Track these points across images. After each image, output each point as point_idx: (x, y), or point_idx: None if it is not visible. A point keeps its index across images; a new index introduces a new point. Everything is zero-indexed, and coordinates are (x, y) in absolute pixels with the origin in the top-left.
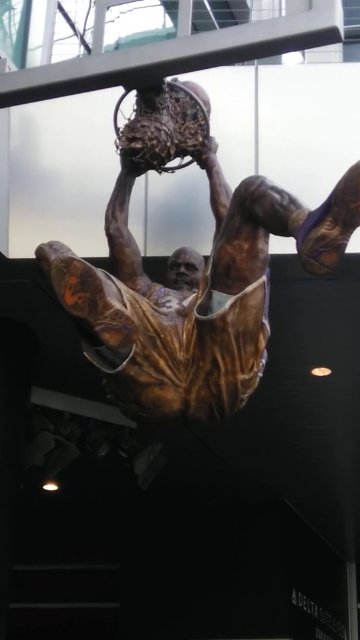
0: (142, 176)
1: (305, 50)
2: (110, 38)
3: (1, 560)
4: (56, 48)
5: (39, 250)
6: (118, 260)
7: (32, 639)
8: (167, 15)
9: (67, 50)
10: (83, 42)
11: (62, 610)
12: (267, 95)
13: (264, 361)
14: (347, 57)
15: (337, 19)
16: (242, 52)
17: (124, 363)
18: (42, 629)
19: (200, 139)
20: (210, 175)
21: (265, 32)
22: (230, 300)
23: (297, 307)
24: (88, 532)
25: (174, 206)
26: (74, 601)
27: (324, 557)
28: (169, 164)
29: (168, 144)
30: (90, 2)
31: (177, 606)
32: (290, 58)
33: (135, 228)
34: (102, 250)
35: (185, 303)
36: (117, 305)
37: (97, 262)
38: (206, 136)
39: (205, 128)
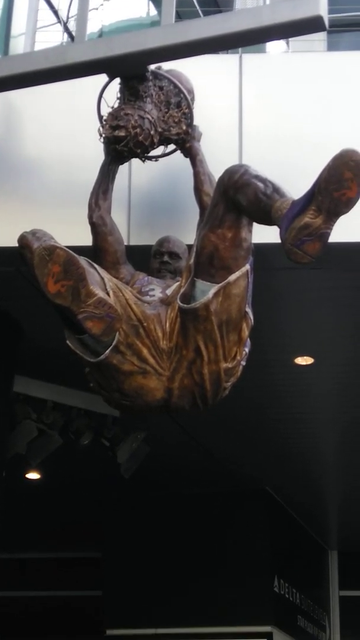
0: (126, 164)
1: (290, 39)
2: (93, 26)
3: None
4: (39, 35)
5: (22, 239)
6: (101, 249)
7: (16, 627)
8: (150, 3)
9: (50, 37)
10: (66, 29)
11: (46, 599)
12: (251, 84)
13: (247, 350)
14: (331, 46)
15: (322, 8)
16: (227, 40)
17: (107, 351)
18: (26, 617)
19: (184, 128)
20: (194, 163)
21: (250, 20)
22: (213, 289)
23: (281, 296)
24: (71, 520)
25: (157, 195)
26: (58, 589)
27: (306, 545)
28: (153, 153)
29: (152, 132)
30: None
31: (161, 594)
32: (275, 47)
33: (118, 216)
34: (85, 238)
35: (169, 292)
36: (100, 293)
37: (80, 250)
38: (190, 125)
39: (189, 116)
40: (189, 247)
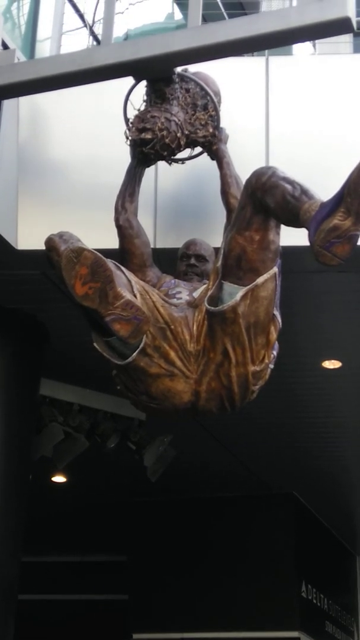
0: (152, 167)
1: (316, 42)
2: (119, 30)
3: (10, 551)
4: (65, 39)
5: (49, 241)
6: (128, 252)
7: (41, 630)
8: (176, 6)
9: (76, 41)
10: (92, 33)
11: (71, 602)
12: (277, 86)
13: (274, 353)
14: (358, 49)
15: (349, 9)
16: (253, 42)
17: (134, 354)
18: (52, 620)
19: (211, 130)
20: (220, 166)
21: (277, 22)
22: (241, 291)
23: (309, 299)
24: (97, 523)
25: (184, 197)
26: (84, 593)
27: (333, 550)
28: (179, 155)
29: (178, 134)
30: None
31: (186, 598)
32: (301, 49)
33: (145, 219)
34: (111, 241)
35: (196, 294)
36: (128, 295)
37: (106, 253)
38: (216, 127)
39: (215, 119)
40: (216, 249)
